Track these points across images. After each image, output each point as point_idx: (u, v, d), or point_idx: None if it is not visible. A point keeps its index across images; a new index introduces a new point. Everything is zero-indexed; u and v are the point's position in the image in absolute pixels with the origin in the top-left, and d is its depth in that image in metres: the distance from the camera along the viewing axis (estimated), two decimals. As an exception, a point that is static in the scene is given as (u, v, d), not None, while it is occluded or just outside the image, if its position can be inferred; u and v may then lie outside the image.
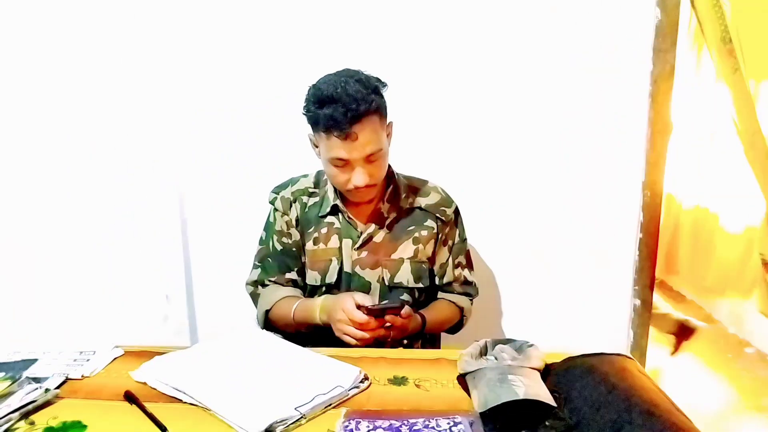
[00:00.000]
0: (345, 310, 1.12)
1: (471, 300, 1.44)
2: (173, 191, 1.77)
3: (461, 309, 1.40)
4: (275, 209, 1.34)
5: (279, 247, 1.33)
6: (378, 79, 1.19)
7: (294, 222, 1.33)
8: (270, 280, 1.33)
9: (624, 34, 1.63)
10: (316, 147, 1.24)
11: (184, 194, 1.79)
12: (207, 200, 1.79)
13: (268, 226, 1.36)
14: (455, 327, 1.42)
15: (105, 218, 1.80)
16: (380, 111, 1.18)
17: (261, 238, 1.37)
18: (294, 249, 1.34)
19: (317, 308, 1.22)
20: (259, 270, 1.35)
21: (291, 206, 1.33)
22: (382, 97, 1.19)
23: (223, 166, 1.76)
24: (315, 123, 1.18)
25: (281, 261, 1.33)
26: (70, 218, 1.81)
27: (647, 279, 1.78)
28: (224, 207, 1.77)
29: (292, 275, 1.34)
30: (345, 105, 1.11)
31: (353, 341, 1.13)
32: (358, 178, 1.18)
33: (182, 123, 1.74)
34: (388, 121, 1.23)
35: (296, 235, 1.33)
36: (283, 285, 1.34)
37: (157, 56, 1.68)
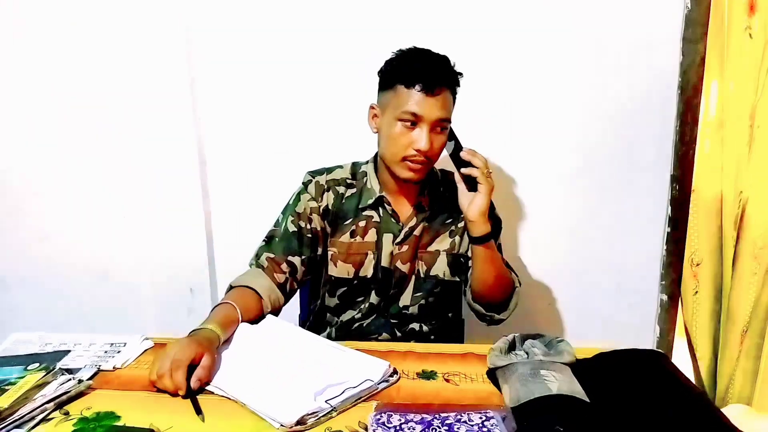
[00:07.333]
0: (176, 362, 0.93)
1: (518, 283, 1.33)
2: (197, 185, 1.77)
3: (512, 281, 1.30)
4: (304, 192, 1.30)
5: (292, 229, 1.27)
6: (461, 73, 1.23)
7: (322, 210, 1.29)
8: (269, 258, 1.25)
9: (653, 24, 1.60)
10: (375, 117, 1.24)
11: (208, 188, 1.80)
12: (231, 194, 1.80)
13: (287, 208, 1.31)
14: (503, 303, 1.27)
15: (130, 212, 1.82)
16: (455, 94, 1.22)
17: (277, 219, 1.32)
18: (309, 235, 1.28)
19: (214, 324, 1.04)
20: (263, 244, 1.29)
21: (324, 194, 1.29)
22: (458, 86, 1.22)
23: (249, 160, 1.77)
24: (397, 76, 1.17)
25: (289, 242, 1.27)
26: (97, 212, 1.83)
27: (674, 274, 1.75)
28: (248, 201, 1.78)
29: (295, 259, 1.26)
30: (437, 64, 1.17)
31: (163, 380, 0.93)
32: (423, 140, 1.15)
33: (209, 118, 1.75)
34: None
35: (319, 223, 1.29)
36: (276, 272, 1.24)
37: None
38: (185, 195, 1.78)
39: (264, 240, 1.29)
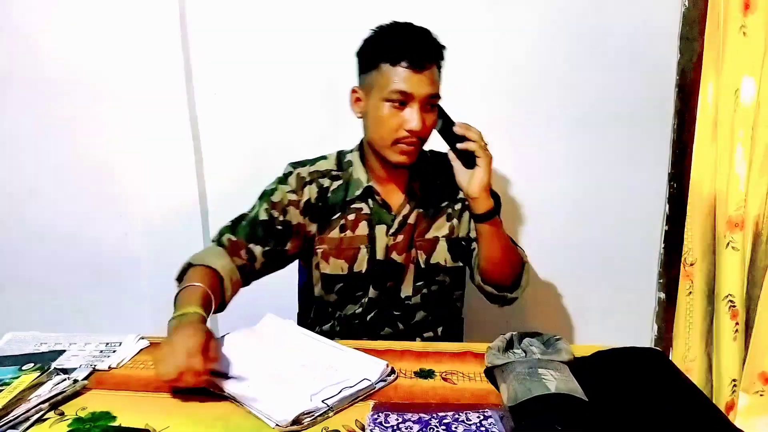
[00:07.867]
0: (193, 354, 0.89)
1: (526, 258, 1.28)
2: (194, 184, 1.77)
3: (521, 256, 1.25)
4: (284, 182, 1.24)
5: (263, 217, 1.20)
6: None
7: (303, 205, 1.23)
8: (230, 240, 1.17)
9: (651, 23, 1.60)
10: (358, 101, 1.18)
11: (205, 187, 1.79)
12: (228, 192, 1.79)
13: (263, 195, 1.24)
14: (515, 281, 1.23)
15: (126, 211, 1.81)
16: (441, 69, 1.16)
17: (254, 204, 1.24)
18: (279, 227, 1.21)
19: (196, 306, 1.02)
20: (229, 225, 1.21)
21: (305, 187, 1.23)
22: (443, 60, 1.17)
23: (246, 159, 1.76)
24: (380, 54, 1.11)
25: (254, 229, 1.19)
26: (92, 211, 1.82)
27: (672, 272, 1.75)
28: (245, 199, 1.76)
29: (256, 249, 1.19)
30: (423, 38, 1.12)
31: (185, 377, 0.89)
32: (415, 119, 1.09)
33: (206, 117, 1.74)
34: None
35: (296, 217, 1.22)
36: (234, 255, 1.17)
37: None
38: (182, 194, 1.77)
39: (231, 221, 1.23)
